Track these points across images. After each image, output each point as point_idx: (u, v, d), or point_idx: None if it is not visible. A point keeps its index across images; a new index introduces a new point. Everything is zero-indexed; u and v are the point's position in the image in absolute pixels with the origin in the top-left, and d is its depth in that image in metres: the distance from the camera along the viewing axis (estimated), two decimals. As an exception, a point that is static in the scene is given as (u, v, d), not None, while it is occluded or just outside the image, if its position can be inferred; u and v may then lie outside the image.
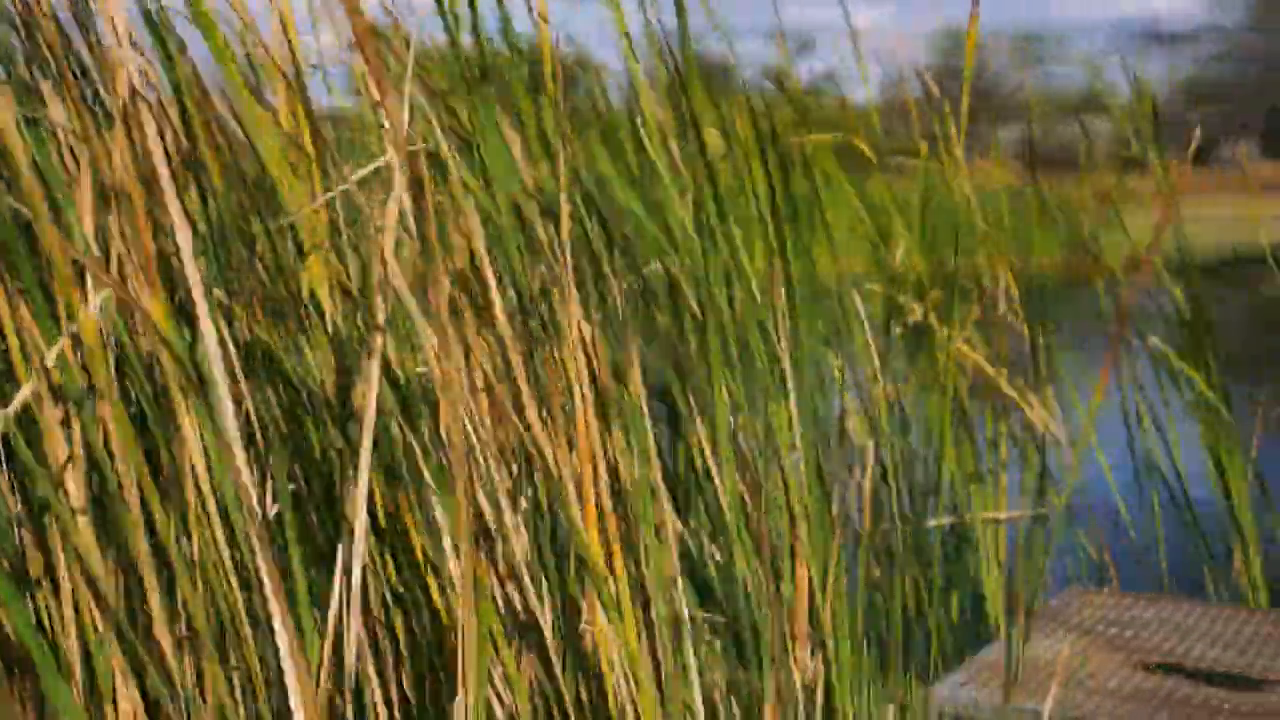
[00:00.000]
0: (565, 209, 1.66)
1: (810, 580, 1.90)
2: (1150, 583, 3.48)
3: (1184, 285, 3.35)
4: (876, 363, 3.10)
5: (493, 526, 1.61)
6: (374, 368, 1.42)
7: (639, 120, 2.34)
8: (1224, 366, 3.44)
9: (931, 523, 3.11)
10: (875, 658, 2.11)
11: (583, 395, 1.64)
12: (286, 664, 1.33)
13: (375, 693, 1.65)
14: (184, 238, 1.42)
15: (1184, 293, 3.34)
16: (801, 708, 1.88)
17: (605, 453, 1.64)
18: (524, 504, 1.69)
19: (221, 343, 1.53)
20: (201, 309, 1.43)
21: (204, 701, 1.50)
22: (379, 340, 1.42)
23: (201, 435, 1.50)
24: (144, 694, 1.48)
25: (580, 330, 1.64)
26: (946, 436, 3.10)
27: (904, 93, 4.21)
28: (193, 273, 1.44)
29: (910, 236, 3.63)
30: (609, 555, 1.64)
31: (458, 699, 1.34)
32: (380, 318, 1.43)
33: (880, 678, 2.14)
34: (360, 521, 1.37)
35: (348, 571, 1.47)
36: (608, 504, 1.63)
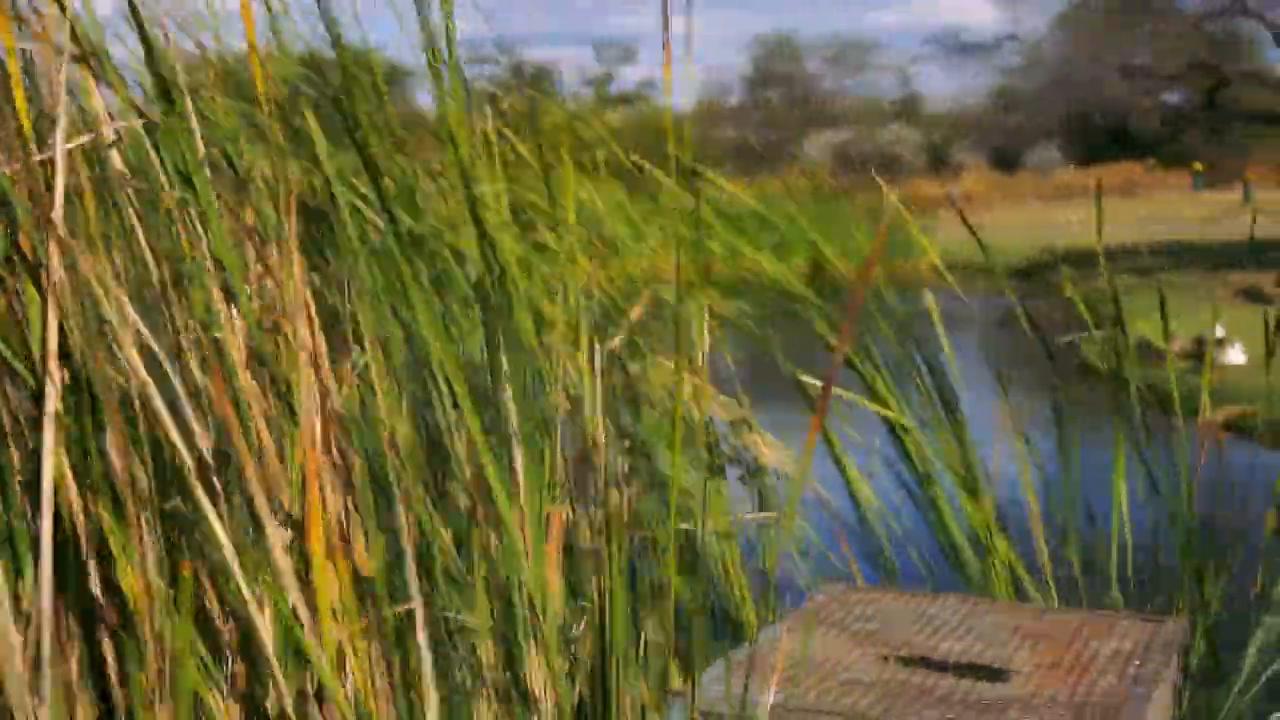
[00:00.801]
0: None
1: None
2: (919, 581, 3.58)
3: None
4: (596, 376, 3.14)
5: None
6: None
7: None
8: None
9: (683, 526, 3.16)
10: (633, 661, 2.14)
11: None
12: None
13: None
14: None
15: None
16: (550, 707, 1.90)
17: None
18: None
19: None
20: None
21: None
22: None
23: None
24: None
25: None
26: (675, 446, 3.16)
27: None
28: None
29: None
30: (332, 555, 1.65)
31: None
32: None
33: (637, 679, 2.17)
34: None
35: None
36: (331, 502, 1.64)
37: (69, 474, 1.70)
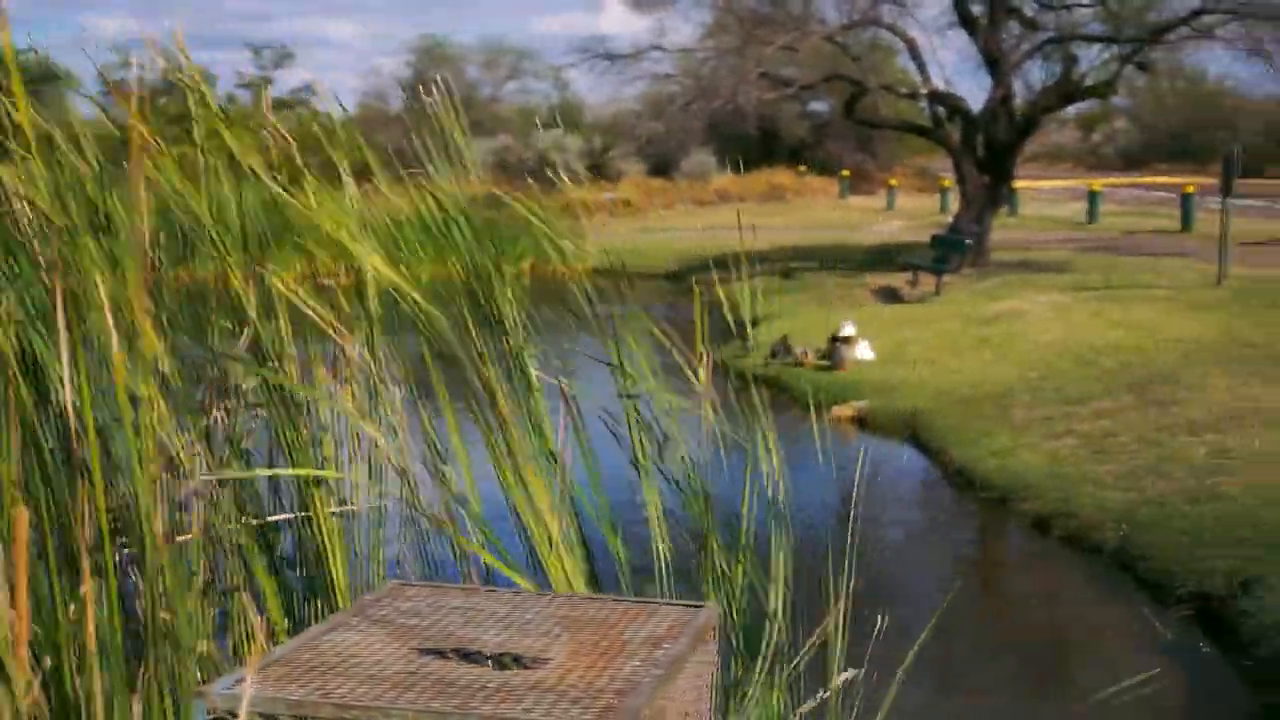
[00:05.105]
0: None
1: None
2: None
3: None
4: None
5: None
6: None
7: None
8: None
9: (273, 518, 3.17)
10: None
11: None
12: None
13: None
14: None
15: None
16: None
17: None
18: None
19: None
20: None
21: None
22: None
23: None
24: None
25: None
26: (286, 433, 3.17)
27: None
28: None
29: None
30: None
31: None
32: None
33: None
34: None
35: None
36: None
37: None
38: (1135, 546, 8.54)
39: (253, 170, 3.56)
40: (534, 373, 3.65)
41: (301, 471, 3.35)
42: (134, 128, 2.93)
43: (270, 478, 3.46)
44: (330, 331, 3.52)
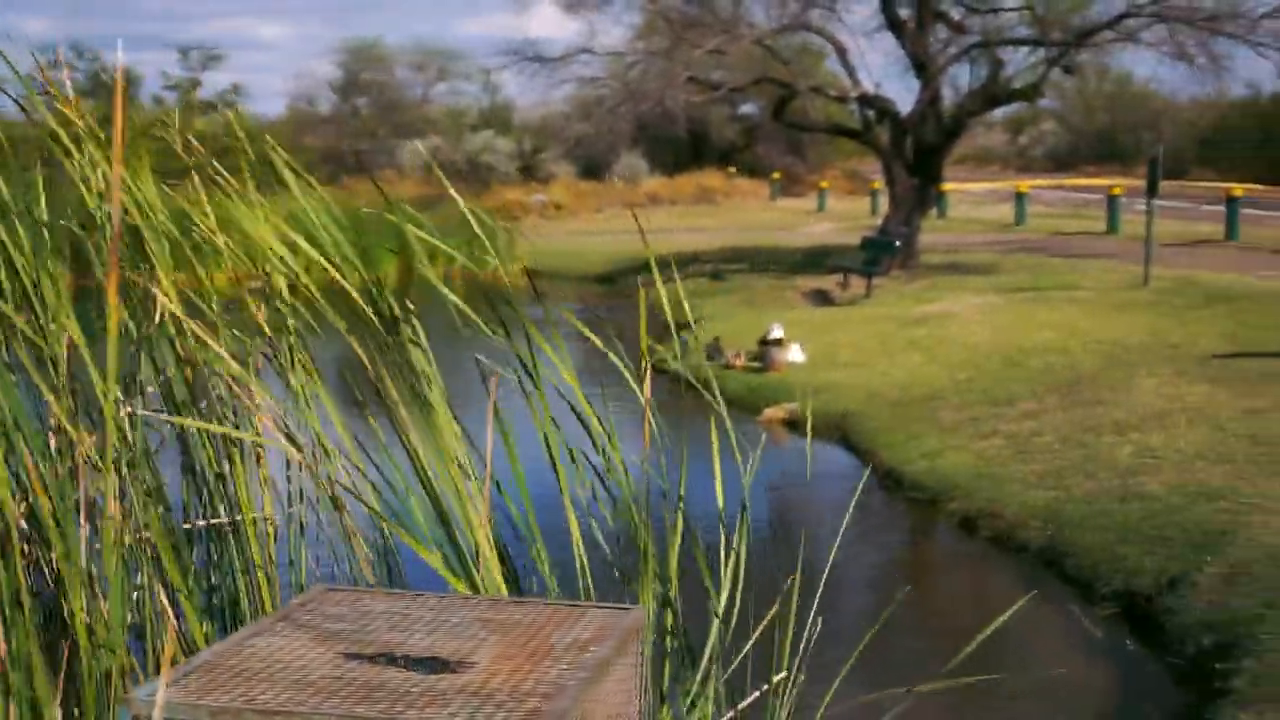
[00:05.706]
0: None
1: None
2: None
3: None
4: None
5: None
6: None
7: None
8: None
9: (197, 523, 3.15)
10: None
11: None
12: None
13: None
14: None
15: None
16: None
17: None
18: None
19: None
20: None
21: None
22: None
23: None
24: None
25: None
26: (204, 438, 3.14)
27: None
28: None
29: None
30: None
31: None
32: None
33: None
34: None
35: None
36: None
37: None
38: (1061, 545, 8.62)
39: (161, 178, 3.53)
40: (431, 371, 3.63)
41: (219, 429, 3.33)
42: (70, 127, 2.90)
43: (194, 488, 3.43)
44: (210, 341, 3.48)
